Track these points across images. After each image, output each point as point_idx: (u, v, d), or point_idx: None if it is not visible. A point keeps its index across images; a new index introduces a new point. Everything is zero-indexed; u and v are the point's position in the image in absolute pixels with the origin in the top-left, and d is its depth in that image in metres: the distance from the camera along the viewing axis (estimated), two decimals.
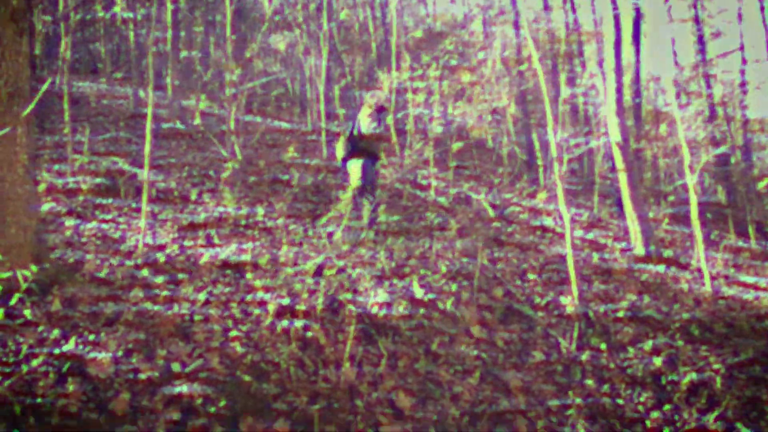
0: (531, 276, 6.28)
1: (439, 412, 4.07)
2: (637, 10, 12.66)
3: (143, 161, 5.77)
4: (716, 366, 5.22)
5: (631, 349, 5.33)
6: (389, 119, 7.04)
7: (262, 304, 4.48)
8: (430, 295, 5.36)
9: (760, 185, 9.43)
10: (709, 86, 19.52)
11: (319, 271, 5.21)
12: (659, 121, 12.07)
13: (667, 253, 8.57)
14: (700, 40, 20.49)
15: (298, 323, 4.36)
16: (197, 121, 9.98)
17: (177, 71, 11.08)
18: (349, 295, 4.74)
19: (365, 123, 6.66)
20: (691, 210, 7.46)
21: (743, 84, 21.08)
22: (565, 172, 10.97)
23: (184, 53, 13.02)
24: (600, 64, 13.39)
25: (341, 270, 5.46)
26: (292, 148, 9.87)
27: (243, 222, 6.40)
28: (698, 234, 7.33)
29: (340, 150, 6.77)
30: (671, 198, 9.31)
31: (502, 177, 11.80)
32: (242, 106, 12.49)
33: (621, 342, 5.38)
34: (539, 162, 11.56)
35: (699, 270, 8.34)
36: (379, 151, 6.85)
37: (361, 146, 6.63)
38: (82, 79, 13.19)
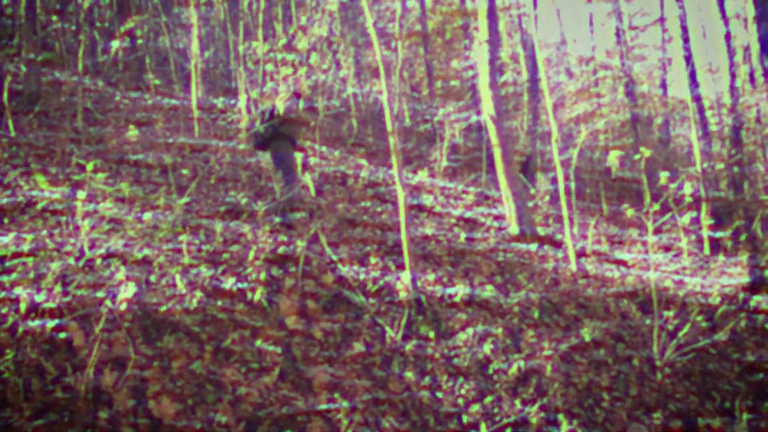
0: (373, 260, 5.82)
1: (205, 420, 3.56)
2: None
3: None
4: (547, 352, 4.89)
5: (462, 336, 4.95)
6: (301, 103, 6.57)
7: (15, 301, 3.87)
8: (242, 285, 4.84)
9: (610, 158, 9.22)
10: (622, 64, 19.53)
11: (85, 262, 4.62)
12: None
13: (543, 231, 8.28)
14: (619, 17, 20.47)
15: (51, 323, 3.77)
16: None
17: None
18: (102, 293, 4.17)
19: (282, 107, 6.42)
20: (559, 186, 7.15)
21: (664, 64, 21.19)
22: (447, 148, 10.62)
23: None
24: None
25: (147, 260, 4.88)
26: (160, 125, 9.16)
27: (57, 207, 5.72)
28: (564, 210, 7.02)
29: (257, 135, 6.56)
30: (551, 174, 9.07)
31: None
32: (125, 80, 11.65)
33: (452, 329, 4.99)
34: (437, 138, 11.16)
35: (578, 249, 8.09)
36: (297, 137, 6.62)
37: (279, 131, 6.41)
38: None
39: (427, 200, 8.91)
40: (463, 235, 7.43)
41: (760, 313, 6.98)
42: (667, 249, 9.08)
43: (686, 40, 19.85)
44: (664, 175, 8.05)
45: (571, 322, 5.61)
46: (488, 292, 5.48)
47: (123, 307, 3.88)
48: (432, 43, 12.47)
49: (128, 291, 3.89)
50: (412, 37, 11.52)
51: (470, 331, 4.96)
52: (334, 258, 5.64)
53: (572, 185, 8.42)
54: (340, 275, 5.43)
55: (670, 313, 6.15)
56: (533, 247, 7.76)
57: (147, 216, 5.67)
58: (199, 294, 4.45)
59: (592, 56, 20.55)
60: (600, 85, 18.16)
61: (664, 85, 23.06)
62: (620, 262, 7.58)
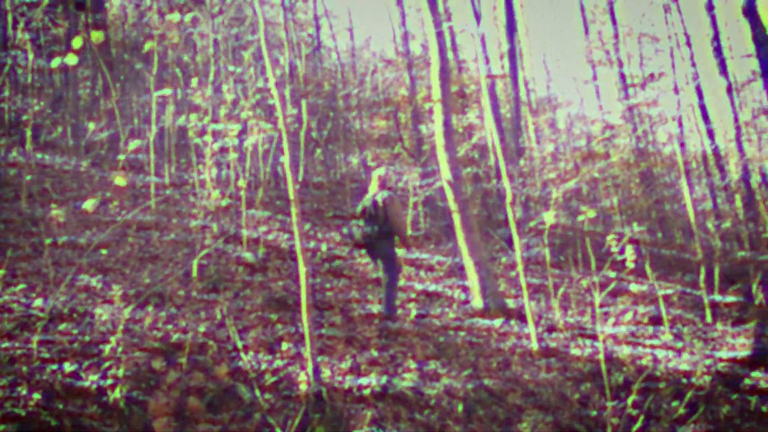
0: (285, 345, 5.13)
1: None
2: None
3: None
4: None
5: None
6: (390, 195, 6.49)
7: None
8: (104, 382, 4.19)
9: (580, 217, 8.40)
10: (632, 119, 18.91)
11: None
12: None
13: (513, 303, 7.48)
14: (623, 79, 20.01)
15: None
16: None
17: None
18: None
19: (380, 197, 6.34)
20: (516, 254, 6.41)
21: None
22: (412, 215, 9.97)
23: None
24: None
25: None
26: (115, 203, 8.79)
27: None
28: (522, 281, 6.25)
29: (358, 233, 6.42)
30: (524, 240, 8.28)
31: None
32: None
33: (353, 429, 4.22)
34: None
35: (549, 322, 7.26)
36: (398, 229, 6.33)
37: (384, 229, 6.28)
38: None
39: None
40: (413, 313, 6.70)
41: (755, 394, 5.99)
42: (657, 320, 8.15)
43: (700, 96, 19.13)
44: (609, 238, 7.23)
45: (512, 414, 4.78)
46: (407, 381, 4.71)
47: None
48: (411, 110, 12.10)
49: None
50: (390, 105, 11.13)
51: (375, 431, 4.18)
52: (239, 345, 4.97)
53: (546, 251, 7.67)
54: (238, 366, 4.75)
55: (639, 398, 5.24)
56: (497, 322, 6.97)
57: (38, 302, 5.14)
58: (36, 396, 3.81)
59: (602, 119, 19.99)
60: (608, 144, 17.50)
61: (681, 143, 22.27)
62: (597, 337, 6.71)
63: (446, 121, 7.59)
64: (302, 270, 4.69)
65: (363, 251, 6.50)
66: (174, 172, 10.29)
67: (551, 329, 6.94)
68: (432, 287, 7.95)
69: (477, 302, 7.26)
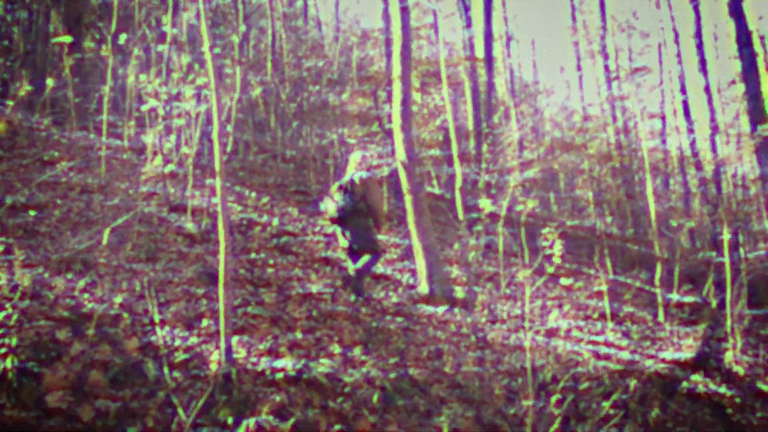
0: (205, 322, 4.93)
1: None
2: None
3: None
4: None
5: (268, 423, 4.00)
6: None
7: None
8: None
9: (520, 207, 8.22)
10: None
11: None
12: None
13: (461, 291, 7.32)
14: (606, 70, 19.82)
15: None
16: None
17: None
18: None
19: (357, 176, 6.31)
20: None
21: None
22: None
23: None
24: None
25: None
26: (63, 164, 8.48)
27: None
28: (467, 269, 6.09)
29: (332, 209, 6.37)
30: (479, 227, 8.12)
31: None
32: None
33: (259, 414, 4.04)
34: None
35: (491, 310, 7.12)
36: (376, 209, 6.36)
37: (358, 207, 6.26)
38: None
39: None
40: (353, 296, 6.52)
41: (691, 398, 5.90)
42: (612, 316, 8.04)
43: (683, 92, 18.98)
44: (545, 231, 7.08)
45: (433, 406, 4.63)
46: (324, 367, 4.54)
47: None
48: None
49: None
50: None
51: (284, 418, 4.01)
52: (156, 318, 4.77)
53: (500, 240, 7.51)
54: (150, 341, 4.55)
55: (562, 396, 5.12)
56: (441, 310, 6.82)
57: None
58: None
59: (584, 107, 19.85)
60: (586, 136, 17.36)
61: (663, 138, 22.20)
62: (552, 331, 6.59)
63: (404, 100, 7.35)
64: (222, 244, 4.47)
65: (337, 228, 6.49)
66: (133, 134, 9.97)
67: (495, 320, 6.81)
68: (381, 269, 7.78)
69: (423, 288, 7.10)
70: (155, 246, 6.30)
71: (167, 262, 6.03)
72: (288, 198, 10.56)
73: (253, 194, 9.96)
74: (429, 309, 6.76)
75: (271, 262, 7.08)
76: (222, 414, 4.01)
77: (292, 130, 13.58)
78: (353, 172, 6.53)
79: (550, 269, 7.89)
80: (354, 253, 6.50)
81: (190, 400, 4.09)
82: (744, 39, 12.76)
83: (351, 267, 6.48)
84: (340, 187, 6.43)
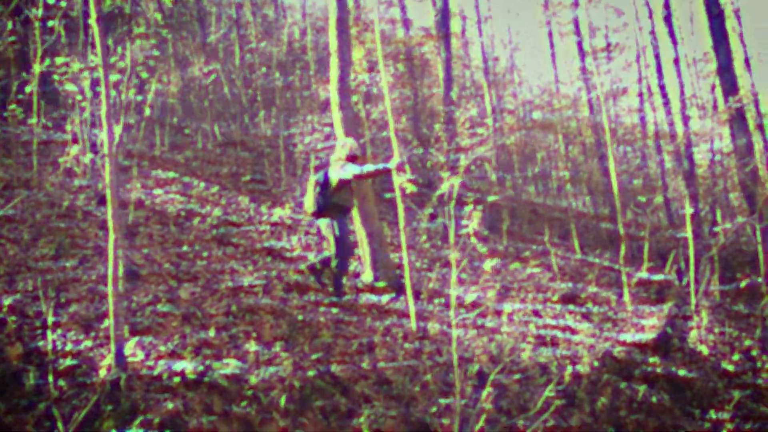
0: (106, 322, 4.48)
1: None
2: None
3: None
4: None
5: None
6: (368, 167, 6.00)
7: None
8: None
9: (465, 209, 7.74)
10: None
11: None
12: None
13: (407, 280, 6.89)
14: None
15: None
16: None
17: None
18: None
19: (336, 173, 6.08)
20: (399, 221, 5.80)
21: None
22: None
23: None
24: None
25: None
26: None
27: None
28: (405, 254, 5.67)
29: (309, 204, 6.22)
30: (429, 210, 7.67)
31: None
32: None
33: (149, 423, 3.61)
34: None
35: (447, 297, 6.72)
36: (351, 205, 6.26)
37: (332, 201, 6.08)
38: None
39: (282, 243, 7.60)
40: (336, 297, 6.07)
41: (646, 383, 5.52)
42: (572, 298, 7.66)
43: (659, 69, 18.58)
44: (467, 209, 6.68)
45: (356, 406, 4.22)
46: (229, 368, 4.11)
47: None
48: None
49: None
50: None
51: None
52: (49, 321, 4.32)
53: (451, 222, 7.09)
54: (37, 346, 4.10)
55: (494, 390, 4.72)
56: (385, 298, 6.40)
57: None
58: None
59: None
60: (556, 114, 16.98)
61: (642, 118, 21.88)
62: (500, 316, 6.18)
63: (342, 76, 6.89)
64: (111, 237, 4.02)
65: (319, 222, 6.22)
66: (70, 127, 9.45)
67: (446, 307, 6.41)
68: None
69: (367, 275, 6.68)
70: (69, 242, 5.84)
71: (80, 259, 5.58)
72: (240, 188, 10.10)
73: (202, 184, 9.48)
74: (372, 298, 6.35)
75: (204, 254, 6.64)
76: (105, 426, 3.58)
77: (248, 117, 13.09)
78: (335, 164, 6.22)
79: (483, 249, 7.49)
80: (338, 248, 6.17)
81: (72, 412, 3.65)
82: (715, 11, 12.36)
83: (315, 258, 6.40)
84: (317, 183, 6.23)
